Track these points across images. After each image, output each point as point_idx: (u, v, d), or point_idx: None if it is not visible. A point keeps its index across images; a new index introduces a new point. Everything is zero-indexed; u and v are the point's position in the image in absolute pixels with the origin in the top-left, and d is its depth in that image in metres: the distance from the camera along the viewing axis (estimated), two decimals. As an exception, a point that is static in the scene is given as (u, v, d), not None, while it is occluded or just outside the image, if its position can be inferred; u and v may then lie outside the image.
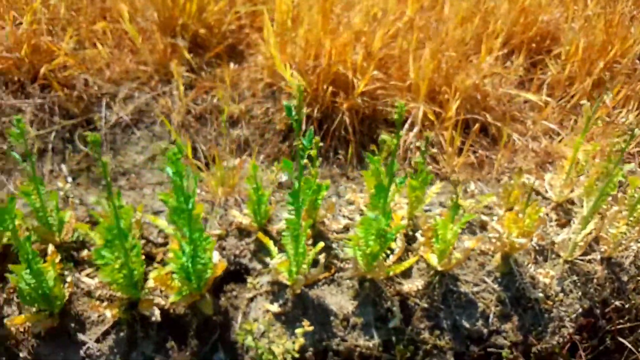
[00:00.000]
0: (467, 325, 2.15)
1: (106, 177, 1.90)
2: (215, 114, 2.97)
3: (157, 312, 1.93)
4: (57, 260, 1.93)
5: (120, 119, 2.81)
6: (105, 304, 1.95)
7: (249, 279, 2.17)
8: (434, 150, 2.86)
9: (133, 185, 2.70)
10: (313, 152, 2.10)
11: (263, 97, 3.03)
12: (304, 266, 2.02)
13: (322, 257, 2.06)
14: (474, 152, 2.88)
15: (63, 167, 2.70)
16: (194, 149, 2.86)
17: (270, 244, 2.10)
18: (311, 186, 2.03)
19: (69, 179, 2.66)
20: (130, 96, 2.91)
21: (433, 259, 2.12)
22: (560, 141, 2.99)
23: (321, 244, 2.01)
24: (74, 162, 2.72)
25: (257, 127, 2.95)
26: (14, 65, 2.85)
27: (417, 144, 2.84)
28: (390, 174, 1.81)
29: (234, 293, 2.17)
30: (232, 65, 3.12)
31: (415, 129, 2.81)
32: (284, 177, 2.78)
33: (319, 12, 2.82)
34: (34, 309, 1.94)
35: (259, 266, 2.22)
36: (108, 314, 1.91)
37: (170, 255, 2.02)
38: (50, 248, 1.99)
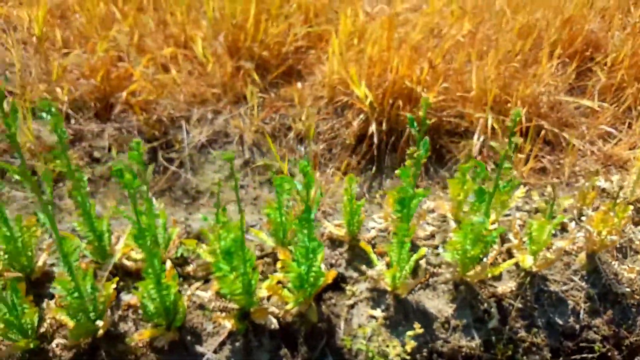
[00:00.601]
0: (560, 322, 2.23)
1: (218, 197, 2.00)
2: (283, 131, 3.07)
3: (274, 320, 2.01)
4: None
5: (198, 140, 2.92)
6: (224, 314, 2.03)
7: (347, 287, 2.26)
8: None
9: (213, 203, 2.79)
10: (408, 163, 2.20)
11: (326, 113, 3.15)
12: (406, 272, 2.10)
13: (423, 262, 2.14)
14: (538, 157, 2.98)
15: (144, 187, 2.79)
16: (266, 166, 2.96)
17: (371, 252, 2.19)
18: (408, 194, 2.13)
19: (153, 199, 2.75)
20: (203, 117, 3.02)
21: (528, 260, 2.20)
22: (616, 144, 3.09)
23: (423, 250, 2.10)
24: (155, 183, 2.81)
25: (324, 142, 3.06)
26: (90, 91, 2.96)
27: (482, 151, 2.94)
28: (497, 179, 1.91)
29: (333, 301, 2.24)
30: (297, 84, 3.24)
31: (482, 138, 2.91)
32: (357, 189, 2.88)
33: (384, 29, 2.95)
34: (150, 324, 2.02)
35: (354, 274, 2.30)
36: (227, 324, 1.99)
37: (280, 264, 2.12)
38: (168, 264, 2.07)
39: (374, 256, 2.19)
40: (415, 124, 1.79)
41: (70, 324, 1.91)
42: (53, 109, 1.80)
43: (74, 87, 2.95)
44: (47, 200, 1.62)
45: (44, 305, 1.97)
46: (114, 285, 1.96)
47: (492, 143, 1.94)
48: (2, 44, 3.41)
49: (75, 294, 1.83)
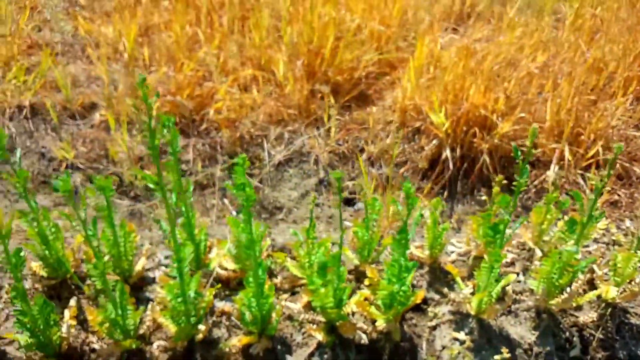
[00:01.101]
0: (642, 356, 2.23)
1: (312, 214, 2.07)
2: (355, 153, 3.17)
3: (364, 336, 2.06)
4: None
5: (276, 158, 3.03)
6: (315, 327, 2.09)
7: (429, 308, 2.30)
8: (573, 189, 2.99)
9: (289, 219, 2.89)
10: (495, 189, 2.26)
11: (398, 137, 3.23)
12: (492, 297, 2.14)
13: (509, 288, 2.18)
14: (611, 190, 3.00)
15: (225, 201, 2.90)
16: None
17: (457, 275, 2.24)
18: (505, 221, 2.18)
19: (234, 213, 2.86)
20: (280, 137, 3.13)
21: (612, 292, 2.22)
22: (688, 180, 3.09)
23: (512, 276, 2.14)
24: (236, 197, 2.92)
25: (395, 165, 3.14)
26: (175, 107, 3.11)
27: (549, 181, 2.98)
28: (591, 209, 1.95)
29: (414, 321, 2.29)
30: (366, 108, 3.34)
31: (555, 169, 2.95)
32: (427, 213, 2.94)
33: (460, 58, 3.04)
34: (242, 332, 2.10)
35: (436, 296, 2.35)
36: (319, 336, 2.05)
37: (367, 282, 2.18)
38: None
39: (459, 280, 2.24)
40: (519, 153, 1.86)
41: (172, 327, 2.00)
42: (170, 124, 1.93)
43: (160, 103, 3.10)
44: (173, 209, 1.73)
45: (147, 307, 2.08)
46: (214, 292, 2.05)
47: (591, 175, 1.99)
48: (87, 58, 3.62)
49: (180, 299, 1.93)
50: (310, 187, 3.01)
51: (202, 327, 2.00)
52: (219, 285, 2.13)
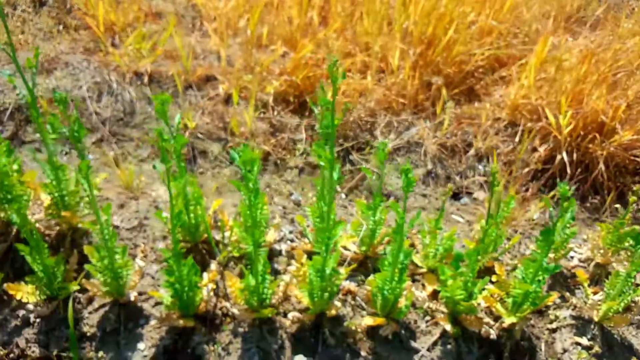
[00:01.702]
0: None
1: (443, 204, 2.08)
2: (463, 147, 3.15)
3: (492, 331, 2.08)
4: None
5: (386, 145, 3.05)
6: (442, 316, 2.12)
7: (549, 311, 2.29)
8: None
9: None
10: (632, 199, 2.22)
11: (507, 135, 3.20)
12: (621, 306, 2.12)
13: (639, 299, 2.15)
14: None
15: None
16: (447, 178, 3.05)
17: (586, 281, 2.22)
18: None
19: (343, 195, 2.90)
20: (389, 124, 3.15)
21: None
22: None
23: (645, 286, 2.11)
24: (347, 181, 2.96)
25: (504, 164, 3.11)
26: (290, 87, 3.16)
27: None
28: None
29: (532, 322, 2.29)
30: (474, 103, 3.32)
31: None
32: (536, 215, 2.91)
33: (582, 61, 2.97)
34: (367, 313, 2.15)
35: (557, 299, 2.34)
36: (447, 327, 2.08)
37: (495, 278, 2.19)
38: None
39: (586, 286, 2.22)
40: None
41: (306, 300, 2.06)
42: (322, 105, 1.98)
43: (276, 82, 3.15)
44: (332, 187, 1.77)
45: (279, 278, 2.14)
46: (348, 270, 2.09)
47: None
48: (198, 30, 3.70)
49: (320, 274, 1.98)
50: (418, 178, 3.02)
51: (337, 303, 2.05)
52: (354, 265, 2.18)
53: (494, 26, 3.57)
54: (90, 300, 2.12)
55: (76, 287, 2.05)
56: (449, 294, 2.08)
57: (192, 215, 2.21)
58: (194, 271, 1.97)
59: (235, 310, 2.11)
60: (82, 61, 3.34)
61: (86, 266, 2.00)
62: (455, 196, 3.03)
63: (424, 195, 2.98)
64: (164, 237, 2.39)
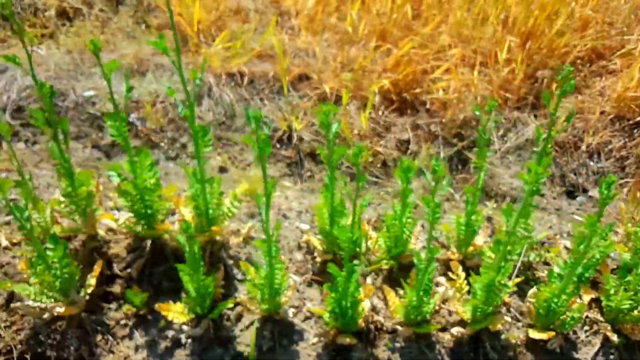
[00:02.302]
0: None
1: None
2: (573, 143, 3.05)
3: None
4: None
5: (497, 143, 2.95)
6: (605, 326, 2.04)
7: None
8: None
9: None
10: None
11: (616, 130, 3.08)
12: None
13: None
14: None
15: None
16: (562, 176, 2.95)
17: None
18: None
19: (456, 196, 2.81)
20: (496, 121, 3.04)
21: None
22: None
23: None
24: (456, 180, 2.87)
25: (615, 159, 3.00)
26: (392, 85, 3.05)
27: None
28: None
29: None
30: (575, 96, 3.20)
31: None
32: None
33: None
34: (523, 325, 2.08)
35: None
36: (614, 338, 2.00)
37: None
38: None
39: None
40: None
41: (467, 314, 1.98)
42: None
43: (376, 80, 3.05)
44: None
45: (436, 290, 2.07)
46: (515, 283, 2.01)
47: None
48: (282, 28, 3.59)
49: (488, 288, 1.90)
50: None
51: (507, 318, 1.98)
52: (522, 278, 2.10)
53: (591, 16, 3.44)
54: (238, 317, 2.05)
55: (230, 305, 1.98)
56: (614, 304, 1.99)
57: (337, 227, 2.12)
58: (358, 287, 1.89)
59: (389, 324, 2.04)
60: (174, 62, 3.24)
61: (247, 283, 1.93)
62: (571, 194, 2.94)
63: (542, 196, 2.88)
64: (299, 247, 2.31)
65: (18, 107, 2.92)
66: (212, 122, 2.95)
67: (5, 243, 2.16)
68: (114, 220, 2.10)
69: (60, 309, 1.86)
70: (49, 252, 1.78)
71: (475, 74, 3.06)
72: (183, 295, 2.03)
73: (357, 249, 2.16)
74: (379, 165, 2.86)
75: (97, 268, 1.96)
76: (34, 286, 1.87)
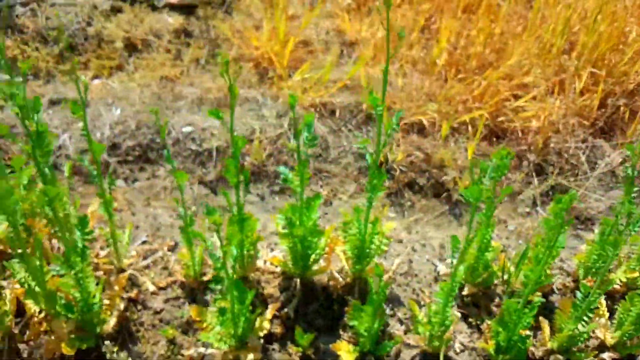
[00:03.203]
0: None
1: None
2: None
3: None
4: None
5: (581, 169, 3.10)
6: None
7: None
8: None
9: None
10: None
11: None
12: None
13: None
14: None
15: (538, 209, 2.98)
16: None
17: None
18: None
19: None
20: (577, 147, 3.19)
21: None
22: None
23: None
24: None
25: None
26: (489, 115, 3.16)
27: None
28: None
29: None
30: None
31: None
32: None
33: None
34: None
35: None
36: None
37: None
38: None
39: None
40: None
41: (613, 341, 2.09)
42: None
43: (463, 109, 3.16)
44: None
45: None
46: None
47: None
48: (349, 57, 3.66)
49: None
50: (617, 200, 3.07)
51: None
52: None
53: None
54: (398, 354, 2.09)
55: (398, 342, 2.02)
56: None
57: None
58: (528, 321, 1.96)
59: (539, 353, 2.12)
60: (257, 95, 3.27)
61: (417, 322, 1.98)
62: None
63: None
64: (435, 280, 2.37)
65: (113, 144, 2.89)
66: (310, 156, 2.98)
67: (152, 288, 2.14)
68: (273, 261, 2.12)
69: (243, 356, 1.86)
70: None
71: (557, 102, 3.21)
72: (340, 332, 2.07)
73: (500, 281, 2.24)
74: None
75: (270, 310, 1.98)
76: (213, 333, 1.86)
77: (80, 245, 1.73)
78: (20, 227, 1.93)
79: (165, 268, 2.25)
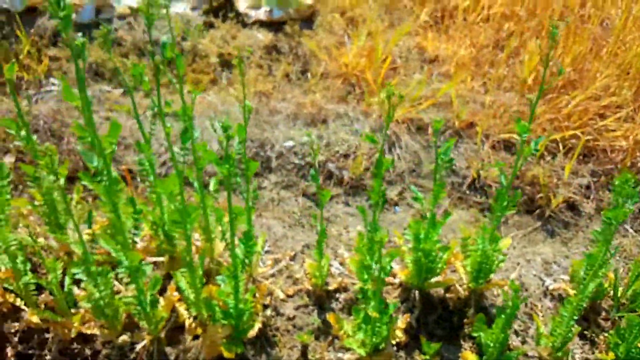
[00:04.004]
0: None
1: None
2: None
3: None
4: None
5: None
6: None
7: None
8: None
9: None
10: None
11: None
12: None
13: None
14: None
15: (627, 227, 3.06)
16: None
17: None
18: None
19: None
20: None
21: None
22: None
23: None
24: None
25: None
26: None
27: None
28: None
29: None
30: None
31: None
32: None
33: None
34: None
35: None
36: None
37: None
38: None
39: None
40: None
41: None
42: None
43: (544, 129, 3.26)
44: None
45: None
46: None
47: None
48: (431, 74, 3.78)
49: None
50: None
51: None
52: None
53: None
54: (515, 364, 2.21)
55: (523, 352, 2.13)
56: None
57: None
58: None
59: None
60: (348, 110, 3.41)
61: (540, 334, 2.09)
62: None
63: None
64: (544, 294, 2.48)
65: (221, 157, 3.06)
66: (405, 169, 3.12)
67: (282, 295, 2.29)
68: (399, 273, 2.26)
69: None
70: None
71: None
72: (462, 342, 2.20)
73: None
74: (569, 210, 3.05)
75: (402, 320, 2.11)
76: (355, 340, 2.00)
77: (242, 257, 1.88)
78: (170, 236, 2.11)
79: (289, 277, 2.40)
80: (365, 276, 1.93)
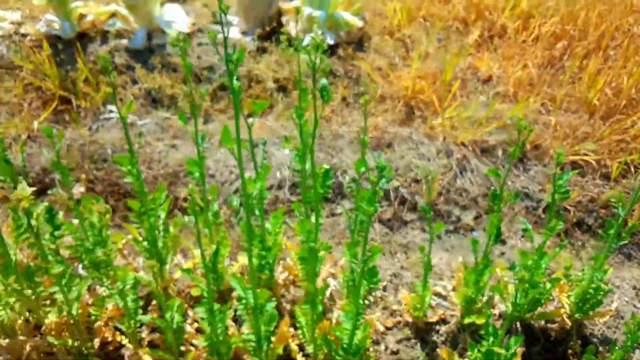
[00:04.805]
0: None
1: None
2: None
3: None
4: None
5: None
6: None
7: None
8: None
9: None
10: None
11: None
12: None
13: None
14: None
15: None
16: None
17: None
18: None
19: None
20: None
21: None
22: None
23: None
24: None
25: None
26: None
27: None
28: None
29: None
30: None
31: None
32: None
33: None
34: None
35: None
36: None
37: None
38: None
39: None
40: None
41: None
42: None
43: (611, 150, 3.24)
44: None
45: None
46: None
47: None
48: (487, 94, 3.77)
49: None
50: None
51: None
52: None
53: None
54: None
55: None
56: None
57: None
58: None
59: None
60: (411, 133, 3.39)
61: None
62: None
63: None
64: (641, 323, 2.44)
65: (293, 183, 3.03)
66: (478, 195, 3.09)
67: (382, 328, 2.24)
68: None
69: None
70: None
71: None
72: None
73: None
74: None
75: (519, 353, 2.06)
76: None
77: (363, 293, 1.84)
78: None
79: (385, 308, 2.36)
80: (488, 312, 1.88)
